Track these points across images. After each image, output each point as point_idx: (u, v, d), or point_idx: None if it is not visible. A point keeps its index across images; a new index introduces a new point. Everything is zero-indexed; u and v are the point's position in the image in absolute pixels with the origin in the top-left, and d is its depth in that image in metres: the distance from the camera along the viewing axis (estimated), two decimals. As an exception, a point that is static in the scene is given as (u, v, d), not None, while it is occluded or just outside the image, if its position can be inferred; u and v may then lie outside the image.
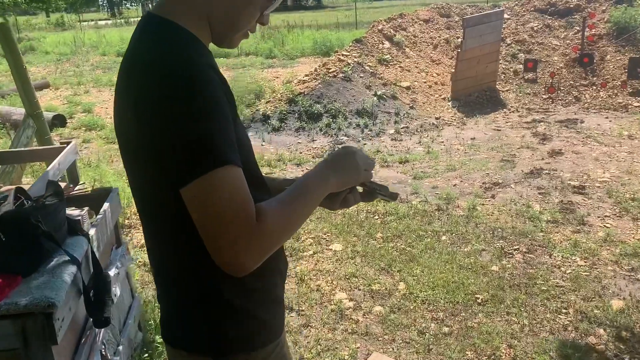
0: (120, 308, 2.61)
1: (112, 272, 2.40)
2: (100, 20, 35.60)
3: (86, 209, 2.31)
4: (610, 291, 3.34)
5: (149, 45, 1.01)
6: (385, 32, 10.06)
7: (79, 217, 2.16)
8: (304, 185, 1.08)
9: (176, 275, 1.13)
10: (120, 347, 2.41)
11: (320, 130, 7.49)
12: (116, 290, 2.43)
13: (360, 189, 1.32)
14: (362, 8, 34.05)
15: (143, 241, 4.20)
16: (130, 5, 59.22)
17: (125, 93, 1.03)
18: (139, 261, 3.91)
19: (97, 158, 6.41)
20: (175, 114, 0.92)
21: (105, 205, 2.50)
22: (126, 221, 4.61)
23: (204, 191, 0.92)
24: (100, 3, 58.52)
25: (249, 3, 1.07)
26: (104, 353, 2.19)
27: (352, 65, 8.88)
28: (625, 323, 3.01)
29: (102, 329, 2.19)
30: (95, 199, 2.62)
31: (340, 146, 1.04)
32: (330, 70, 8.71)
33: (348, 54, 9.32)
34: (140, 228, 4.52)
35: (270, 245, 0.98)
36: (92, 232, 2.20)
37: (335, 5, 48.85)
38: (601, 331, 2.96)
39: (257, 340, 1.15)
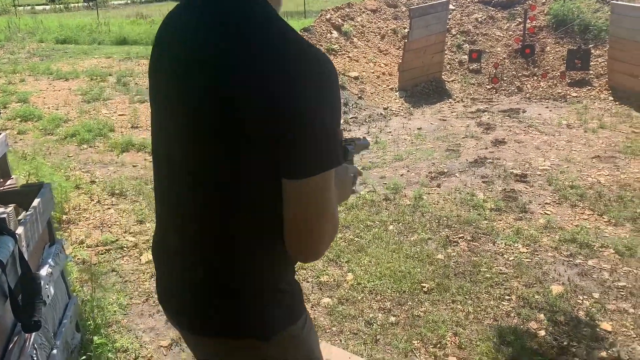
0: (55, 309, 2.48)
1: (44, 272, 2.27)
2: (37, 5, 33.83)
3: (12, 206, 2.16)
4: (550, 277, 3.45)
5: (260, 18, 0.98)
6: (334, 21, 10.03)
7: (4, 216, 2.02)
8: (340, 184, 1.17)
9: (230, 264, 1.09)
10: (55, 351, 2.28)
11: (269, 120, 7.39)
12: (49, 290, 2.30)
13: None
14: (311, -3, 33.79)
15: (82, 237, 4.03)
16: (70, -11, 56.46)
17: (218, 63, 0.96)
18: (78, 258, 3.74)
19: (32, 151, 6.09)
20: (326, 102, 0.93)
21: (36, 201, 2.35)
22: (64, 217, 4.40)
23: (321, 187, 0.96)
24: (37, -13, 55.49)
25: None
26: (35, 358, 2.07)
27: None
28: (564, 307, 3.11)
29: (33, 333, 2.07)
30: (25, 195, 2.46)
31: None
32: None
33: (296, 43, 9.23)
34: (80, 224, 4.30)
35: (329, 243, 1.08)
36: (19, 230, 2.06)
37: (285, -6, 48.26)
38: (542, 316, 3.05)
39: (293, 315, 1.16)
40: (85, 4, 35.70)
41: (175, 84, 1.05)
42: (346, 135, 6.74)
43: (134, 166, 5.73)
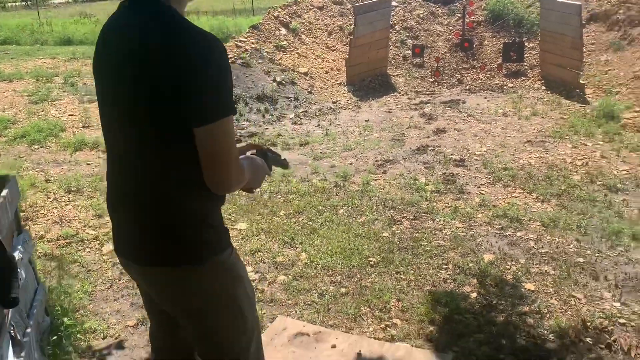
0: (26, 292, 2.63)
1: (15, 257, 2.43)
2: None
3: (-15, 195, 2.31)
4: (482, 247, 3.84)
5: (170, 20, 1.35)
6: (281, 18, 10.26)
7: (-21, 203, 2.18)
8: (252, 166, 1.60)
9: (163, 202, 1.44)
10: (29, 329, 2.45)
11: (221, 116, 7.57)
12: (21, 274, 2.46)
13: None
14: (258, -7, 33.80)
15: (42, 232, 4.14)
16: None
17: (141, 54, 1.34)
18: (39, 252, 3.85)
19: (-18, 151, 6.07)
20: (215, 66, 1.31)
21: (4, 192, 2.51)
22: (22, 214, 4.47)
23: (224, 129, 1.33)
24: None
25: None
26: (12, 334, 2.24)
27: (250, 51, 9.01)
28: (494, 273, 3.49)
29: (10, 311, 2.24)
30: (-9, 187, 2.60)
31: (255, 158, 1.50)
32: (228, 57, 8.76)
33: (246, 40, 9.42)
34: (38, 220, 4.39)
35: (238, 181, 1.45)
36: (-8, 217, 2.23)
37: (232, -9, 48.00)
38: (474, 281, 3.42)
39: (220, 246, 1.52)
40: (24, 3, 34.38)
41: (114, 64, 1.42)
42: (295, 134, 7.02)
43: (87, 164, 5.81)
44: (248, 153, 1.68)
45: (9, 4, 33.32)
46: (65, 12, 26.80)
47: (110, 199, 1.57)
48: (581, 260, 3.61)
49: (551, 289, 3.29)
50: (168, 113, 1.33)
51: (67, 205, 4.73)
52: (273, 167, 1.75)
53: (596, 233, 3.98)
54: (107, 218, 4.36)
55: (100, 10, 25.15)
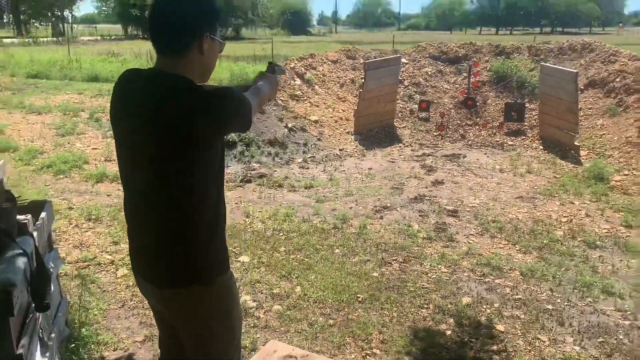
0: (52, 303, 3.04)
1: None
2: (5, 38, 34.02)
3: (29, 215, 2.75)
4: (462, 291, 4.18)
5: (176, 81, 1.68)
6: (297, 70, 10.92)
7: (26, 221, 2.62)
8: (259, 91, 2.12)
9: (176, 228, 1.73)
10: (53, 334, 2.84)
11: (235, 157, 8.09)
12: (51, 285, 2.87)
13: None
14: (278, 42, 35.19)
15: (63, 255, 4.56)
16: (40, 24, 56.64)
17: (152, 111, 1.65)
18: (60, 272, 4.26)
19: (16, 178, 6.58)
20: (227, 108, 1.70)
21: (43, 214, 2.95)
22: (46, 237, 4.91)
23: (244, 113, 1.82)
24: (5, 20, 55.40)
25: (215, 57, 1.85)
26: (41, 335, 2.63)
27: (266, 98, 9.60)
28: (470, 314, 3.82)
29: (41, 315, 2.64)
30: (33, 209, 3.05)
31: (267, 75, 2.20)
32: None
33: (262, 88, 10.03)
34: (60, 244, 4.82)
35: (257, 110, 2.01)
36: (35, 233, 2.66)
37: (253, 38, 49.86)
38: (451, 320, 3.75)
39: (223, 267, 1.83)
40: (55, 38, 35.93)
41: (131, 125, 1.71)
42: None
43: (107, 195, 6.28)
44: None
45: (41, 39, 34.94)
46: (94, 49, 28.07)
47: (129, 225, 1.90)
48: (550, 307, 3.94)
49: (519, 331, 3.62)
50: (192, 149, 1.64)
51: (87, 231, 5.17)
52: (278, 76, 2.35)
53: (569, 284, 4.32)
54: (123, 244, 4.80)
55: (127, 50, 26.32)
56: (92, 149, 8.42)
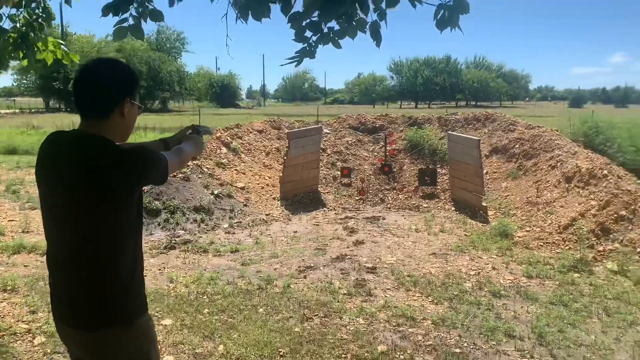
0: None
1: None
2: None
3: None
4: (378, 340, 4.43)
5: (103, 141, 1.89)
6: (223, 139, 11.26)
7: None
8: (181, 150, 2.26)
9: (93, 273, 1.88)
10: None
11: (159, 224, 8.11)
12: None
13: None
14: (207, 114, 35.72)
15: None
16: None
17: (74, 166, 1.85)
18: None
19: None
20: (142, 161, 1.92)
21: None
22: (-44, 309, 4.71)
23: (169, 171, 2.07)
24: None
25: (134, 119, 2.08)
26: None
27: (192, 167, 9.80)
28: (385, 360, 4.07)
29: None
30: None
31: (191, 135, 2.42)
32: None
33: (188, 157, 10.24)
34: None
35: (179, 166, 2.21)
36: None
37: (181, 110, 50.21)
38: (368, 367, 3.97)
39: (142, 308, 2.00)
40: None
41: (53, 181, 1.91)
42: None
43: (25, 266, 6.12)
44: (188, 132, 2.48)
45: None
46: (12, 122, 27.23)
47: (50, 273, 2.02)
48: (458, 350, 4.26)
49: (430, 374, 3.89)
50: (109, 203, 1.84)
51: (1, 302, 5.01)
52: (204, 136, 2.54)
53: (475, 330, 4.68)
54: (41, 313, 4.71)
55: (49, 122, 25.77)
56: (9, 220, 8.18)
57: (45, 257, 2.02)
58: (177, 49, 72.61)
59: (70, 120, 26.42)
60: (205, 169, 9.99)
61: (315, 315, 4.94)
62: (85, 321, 1.92)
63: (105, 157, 1.84)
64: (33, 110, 48.44)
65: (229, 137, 11.46)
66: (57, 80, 48.70)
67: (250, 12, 2.58)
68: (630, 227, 6.96)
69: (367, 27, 2.53)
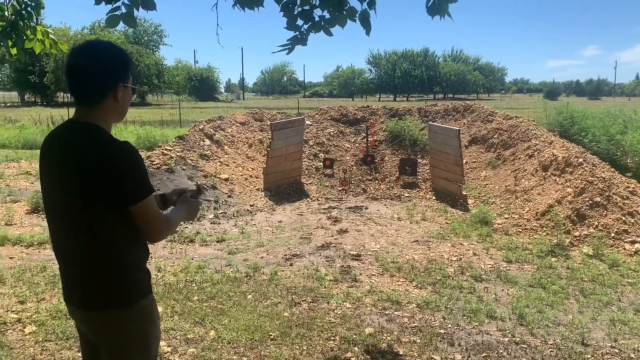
0: None
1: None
2: None
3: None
4: (365, 323, 4.56)
5: (93, 135, 1.93)
6: (206, 131, 11.26)
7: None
8: (177, 218, 2.20)
9: (99, 257, 1.96)
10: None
11: (144, 216, 8.11)
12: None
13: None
14: (187, 107, 35.46)
15: None
16: None
17: (67, 164, 1.92)
18: None
19: None
20: (132, 166, 1.90)
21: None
22: (-56, 300, 4.70)
23: (148, 204, 1.94)
24: None
25: (128, 101, 2.11)
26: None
27: (175, 158, 9.80)
28: (372, 342, 4.19)
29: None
30: None
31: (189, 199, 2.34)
32: (153, 163, 9.49)
33: (171, 148, 10.24)
34: None
35: (168, 230, 2.09)
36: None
37: (160, 104, 49.69)
38: (356, 348, 4.10)
39: (144, 292, 2.06)
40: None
41: (55, 171, 1.99)
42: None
43: (10, 258, 6.10)
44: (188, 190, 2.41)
45: None
46: (-13, 115, 26.66)
47: (58, 260, 2.10)
48: (442, 331, 4.41)
49: (416, 353, 4.03)
50: (100, 200, 1.89)
51: (-11, 293, 5.01)
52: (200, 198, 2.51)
53: (458, 312, 4.85)
54: (30, 304, 4.74)
55: (25, 116, 25.31)
56: (-10, 213, 8.10)
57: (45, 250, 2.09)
58: (155, 42, 71.81)
59: (49, 114, 26.00)
60: (189, 161, 10.00)
61: (303, 300, 5.05)
62: (84, 301, 2.01)
63: (95, 151, 1.89)
64: (8, 104, 47.44)
65: (212, 129, 11.47)
66: (33, 74, 47.77)
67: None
68: (604, 213, 7.21)
69: (357, 15, 2.62)
